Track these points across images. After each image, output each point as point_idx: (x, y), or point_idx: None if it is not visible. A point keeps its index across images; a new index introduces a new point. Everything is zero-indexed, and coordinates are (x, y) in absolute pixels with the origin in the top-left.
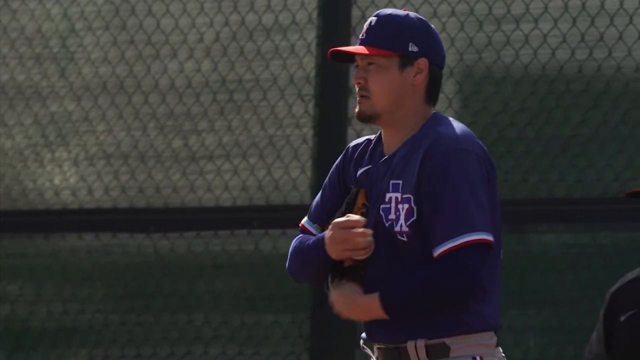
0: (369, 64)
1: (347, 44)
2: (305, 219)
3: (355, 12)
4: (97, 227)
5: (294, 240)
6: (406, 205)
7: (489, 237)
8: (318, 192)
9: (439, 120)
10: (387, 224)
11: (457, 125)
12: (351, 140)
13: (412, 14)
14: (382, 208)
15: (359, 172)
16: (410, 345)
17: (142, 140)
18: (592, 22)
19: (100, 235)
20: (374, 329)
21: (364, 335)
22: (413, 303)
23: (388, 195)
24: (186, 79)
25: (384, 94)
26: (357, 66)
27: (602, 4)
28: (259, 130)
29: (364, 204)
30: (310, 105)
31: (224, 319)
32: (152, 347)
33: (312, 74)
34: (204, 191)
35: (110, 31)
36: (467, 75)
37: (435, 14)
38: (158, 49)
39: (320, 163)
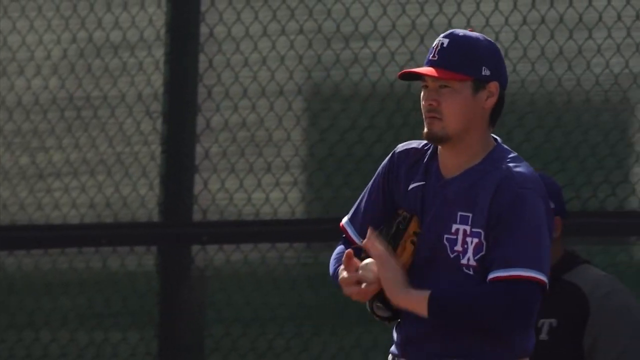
0: (442, 86)
1: (196, 61)
2: (346, 219)
3: (204, 30)
4: None
5: (337, 247)
6: (475, 240)
7: (546, 280)
8: (166, 210)
9: (504, 153)
10: (452, 255)
11: (524, 163)
12: (199, 158)
13: (481, 35)
14: (447, 238)
15: (411, 185)
16: None
17: None
18: None
19: None
20: (408, 347)
21: (394, 349)
22: (460, 311)
23: (455, 227)
24: (33, 95)
25: (457, 117)
26: (425, 86)
27: (450, 22)
28: (106, 148)
29: (415, 232)
30: (159, 123)
31: (71, 337)
32: None
33: (160, 91)
34: (51, 208)
35: None
36: (315, 92)
37: (283, 32)
38: (5, 65)
39: (168, 180)
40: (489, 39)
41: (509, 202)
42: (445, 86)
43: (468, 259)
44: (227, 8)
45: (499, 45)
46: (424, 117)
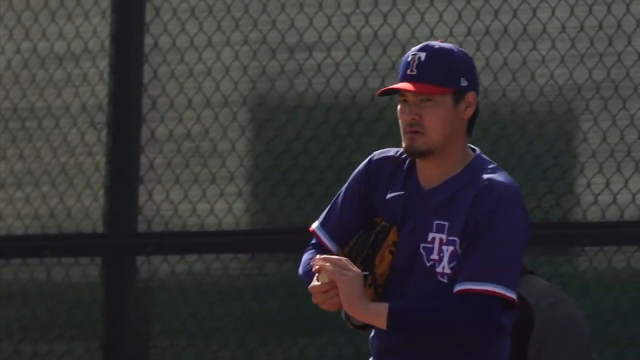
0: (423, 100)
1: (141, 72)
2: (317, 224)
3: (148, 40)
4: None
5: (305, 252)
6: (451, 248)
7: (514, 297)
8: (111, 221)
9: (484, 164)
10: (428, 264)
11: (504, 173)
12: (144, 169)
13: (454, 46)
14: (424, 247)
15: (390, 195)
16: None
17: None
18: (384, 51)
19: None
20: (386, 356)
21: None
22: (419, 326)
23: (431, 235)
24: None
25: (439, 130)
26: (404, 101)
27: (394, 33)
28: (51, 158)
29: (394, 242)
30: (103, 133)
31: (15, 348)
32: None
33: (105, 101)
34: None
35: None
36: (260, 103)
37: (228, 42)
38: None
39: (113, 191)
40: (462, 49)
41: (487, 211)
42: (428, 100)
43: (443, 267)
44: (172, 19)
45: None
46: (402, 131)
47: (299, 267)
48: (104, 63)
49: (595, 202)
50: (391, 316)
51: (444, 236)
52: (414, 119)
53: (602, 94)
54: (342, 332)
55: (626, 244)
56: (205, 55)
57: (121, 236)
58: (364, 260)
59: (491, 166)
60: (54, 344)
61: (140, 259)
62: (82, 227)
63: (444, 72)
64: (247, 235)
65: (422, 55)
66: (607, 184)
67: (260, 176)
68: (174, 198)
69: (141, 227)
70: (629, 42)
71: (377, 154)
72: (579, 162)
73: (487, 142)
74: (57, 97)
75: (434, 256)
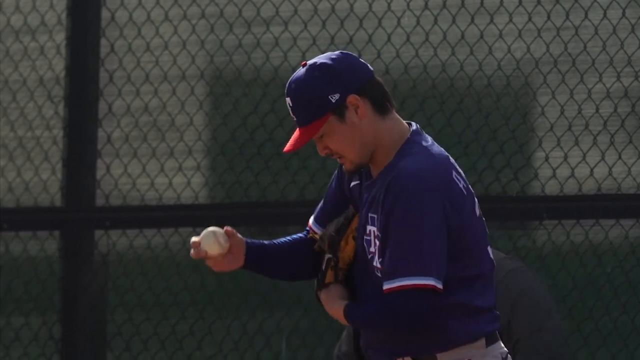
0: (319, 136)
1: (98, 46)
2: (312, 219)
3: (105, 14)
4: None
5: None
6: (379, 243)
7: (431, 282)
8: (69, 194)
9: (411, 148)
10: (369, 257)
11: (425, 155)
12: (101, 143)
13: (311, 63)
14: (365, 239)
15: (352, 183)
16: None
17: None
18: (342, 25)
19: None
20: (368, 350)
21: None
22: (367, 323)
23: (368, 228)
24: None
25: (349, 148)
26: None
27: (352, 7)
28: (8, 132)
29: (356, 228)
30: (60, 107)
31: None
32: None
33: (62, 75)
34: None
35: None
36: (217, 77)
37: (185, 16)
38: None
39: (71, 164)
40: (320, 59)
41: (391, 203)
42: (321, 135)
43: (376, 262)
44: None
45: (401, 30)
46: None
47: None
48: (60, 37)
49: (554, 175)
50: (346, 316)
51: (375, 229)
52: (326, 153)
53: (559, 67)
54: (299, 305)
55: (584, 217)
56: (162, 29)
57: (79, 210)
58: (331, 244)
59: (416, 148)
60: (12, 318)
61: (98, 232)
62: (40, 201)
63: (309, 109)
64: (206, 210)
65: (288, 100)
66: (565, 157)
67: (218, 150)
68: (132, 172)
69: (99, 201)
70: (586, 16)
71: None
72: (536, 136)
73: (444, 116)
74: (14, 70)
75: (372, 249)
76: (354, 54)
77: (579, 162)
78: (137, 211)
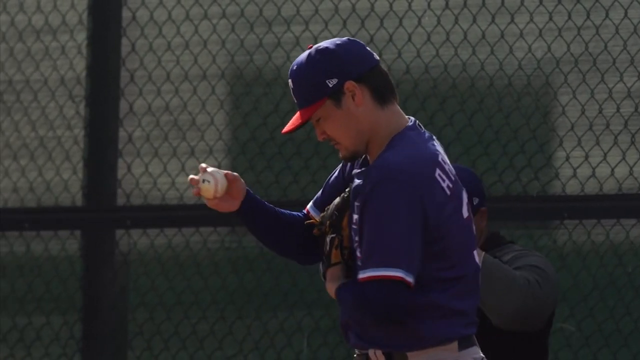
0: (316, 120)
1: (119, 45)
2: (310, 204)
3: (126, 14)
4: None
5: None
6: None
7: (400, 274)
8: (90, 194)
9: (400, 140)
10: (355, 244)
11: (409, 148)
12: (122, 142)
13: (313, 49)
14: (353, 228)
15: (354, 171)
16: (371, 352)
17: None
18: (363, 24)
19: None
20: (348, 334)
21: None
22: (350, 311)
23: (354, 216)
24: None
25: (345, 135)
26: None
27: (372, 6)
28: (29, 132)
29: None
30: (81, 106)
31: None
32: None
33: (83, 74)
34: None
35: None
36: (238, 76)
37: (206, 16)
38: None
39: (92, 164)
40: (325, 43)
41: (366, 193)
42: (317, 119)
43: (358, 250)
44: None
45: (422, 30)
46: None
47: None
48: (82, 36)
49: (574, 175)
50: (338, 298)
51: (358, 217)
52: (323, 138)
53: (580, 67)
54: (321, 304)
55: (605, 217)
56: (183, 29)
57: (100, 210)
58: (333, 224)
59: (402, 142)
60: (33, 317)
61: (119, 232)
62: (61, 201)
63: (308, 90)
64: None
65: (290, 82)
66: (586, 157)
67: (239, 150)
68: (153, 171)
69: (120, 200)
70: (607, 16)
71: None
72: (557, 136)
73: (465, 116)
74: (35, 70)
75: (357, 237)
76: (362, 42)
77: (600, 162)
78: (158, 211)
